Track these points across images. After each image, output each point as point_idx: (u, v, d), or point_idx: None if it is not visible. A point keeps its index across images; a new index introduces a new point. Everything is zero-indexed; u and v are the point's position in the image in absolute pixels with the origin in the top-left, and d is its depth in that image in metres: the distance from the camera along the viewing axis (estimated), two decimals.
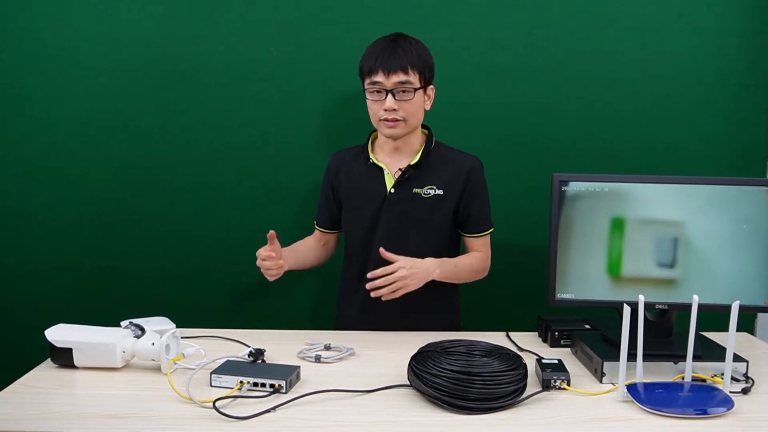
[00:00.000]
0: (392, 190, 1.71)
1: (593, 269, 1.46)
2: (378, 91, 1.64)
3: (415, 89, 1.64)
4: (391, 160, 1.75)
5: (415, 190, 1.71)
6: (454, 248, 1.80)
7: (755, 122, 2.08)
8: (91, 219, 2.08)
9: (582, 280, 1.46)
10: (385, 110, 1.63)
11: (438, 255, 1.70)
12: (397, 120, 1.64)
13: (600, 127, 2.07)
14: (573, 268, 1.47)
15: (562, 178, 1.46)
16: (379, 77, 1.62)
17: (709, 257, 1.42)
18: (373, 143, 1.79)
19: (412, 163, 1.71)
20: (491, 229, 1.79)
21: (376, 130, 1.76)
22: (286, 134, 2.06)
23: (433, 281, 1.66)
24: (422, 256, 1.67)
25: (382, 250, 1.60)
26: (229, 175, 2.07)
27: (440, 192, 1.72)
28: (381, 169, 1.73)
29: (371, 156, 1.75)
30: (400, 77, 1.62)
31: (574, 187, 1.45)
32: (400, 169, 1.72)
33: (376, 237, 1.74)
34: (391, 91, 1.62)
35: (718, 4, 2.02)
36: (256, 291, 2.13)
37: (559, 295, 1.48)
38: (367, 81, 1.65)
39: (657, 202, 1.43)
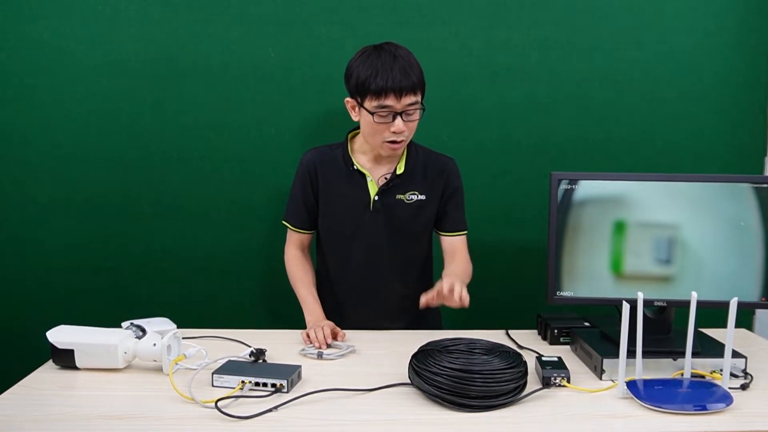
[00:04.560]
0: (376, 198, 1.68)
1: (593, 267, 1.46)
2: (386, 113, 1.56)
3: (420, 108, 1.59)
4: (372, 166, 1.69)
5: (398, 196, 1.68)
6: (429, 251, 1.80)
7: (753, 120, 2.08)
8: (91, 220, 2.08)
9: (582, 278, 1.47)
10: (394, 132, 1.57)
11: (417, 258, 1.72)
12: (402, 141, 1.60)
13: (598, 125, 2.07)
14: (572, 266, 1.47)
15: (561, 177, 1.46)
16: (390, 101, 1.53)
17: (706, 254, 1.43)
18: (350, 144, 1.72)
19: (398, 172, 1.68)
20: (466, 231, 1.77)
21: (353, 131, 1.71)
22: (285, 135, 2.06)
23: (408, 287, 1.73)
24: (403, 260, 1.72)
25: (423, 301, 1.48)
26: (229, 176, 2.07)
27: (422, 197, 1.69)
28: (363, 176, 1.68)
29: (354, 162, 1.68)
30: (411, 99, 1.55)
31: (574, 185, 1.46)
32: (384, 177, 1.68)
33: (357, 243, 1.71)
34: (400, 113, 1.56)
35: (716, 2, 2.03)
36: (256, 291, 2.13)
37: (558, 294, 1.48)
38: (374, 102, 1.54)
39: (654, 199, 1.44)
